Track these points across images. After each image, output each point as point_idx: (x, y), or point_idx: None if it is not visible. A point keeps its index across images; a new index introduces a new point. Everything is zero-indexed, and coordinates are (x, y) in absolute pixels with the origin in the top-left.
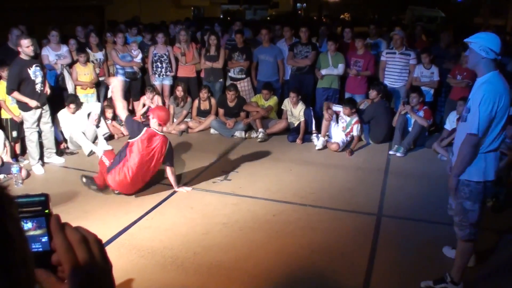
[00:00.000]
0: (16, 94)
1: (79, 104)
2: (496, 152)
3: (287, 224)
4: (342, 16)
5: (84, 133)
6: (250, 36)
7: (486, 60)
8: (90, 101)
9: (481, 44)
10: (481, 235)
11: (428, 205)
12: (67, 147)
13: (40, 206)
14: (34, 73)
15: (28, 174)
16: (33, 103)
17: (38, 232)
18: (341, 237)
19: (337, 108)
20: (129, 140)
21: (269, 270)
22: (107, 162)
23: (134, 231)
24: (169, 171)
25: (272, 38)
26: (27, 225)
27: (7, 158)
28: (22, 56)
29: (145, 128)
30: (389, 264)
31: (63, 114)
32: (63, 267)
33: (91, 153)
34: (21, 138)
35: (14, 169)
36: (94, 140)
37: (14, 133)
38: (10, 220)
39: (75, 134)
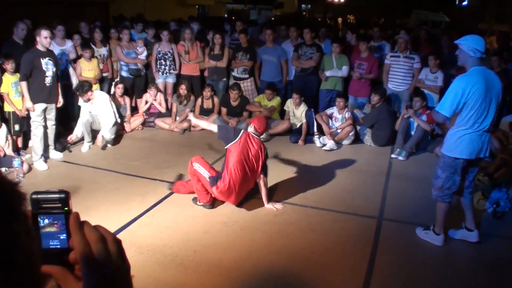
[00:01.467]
0: (24, 84)
1: (91, 87)
2: (471, 135)
3: (287, 225)
4: (340, 18)
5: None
6: (256, 36)
7: (473, 59)
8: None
9: (469, 45)
10: (486, 241)
11: (429, 209)
12: (71, 143)
13: (60, 203)
14: (46, 64)
15: (30, 168)
16: (29, 104)
17: (56, 229)
18: (342, 239)
19: (329, 110)
20: (227, 147)
21: (269, 271)
22: (205, 173)
23: (135, 228)
24: (261, 182)
25: (275, 38)
26: (44, 222)
27: (9, 151)
28: (39, 46)
29: (243, 131)
30: (389, 267)
31: (85, 106)
32: (80, 266)
33: (88, 148)
34: (23, 132)
35: (16, 162)
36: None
37: (17, 127)
38: (17, 218)
39: (84, 121)
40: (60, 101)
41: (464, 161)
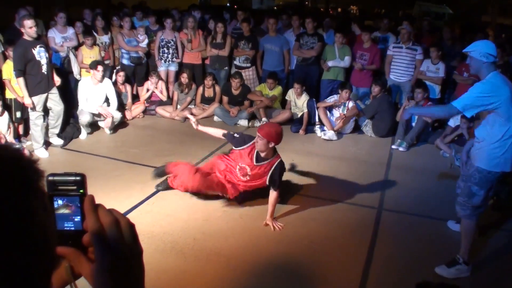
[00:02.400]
0: (21, 81)
1: (105, 67)
2: None
3: (287, 213)
4: (339, 9)
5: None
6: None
7: (487, 64)
8: None
9: (480, 50)
10: (484, 234)
11: (428, 200)
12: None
13: (75, 185)
14: (39, 53)
15: (30, 155)
16: (27, 100)
17: (71, 211)
18: (341, 229)
19: (330, 100)
20: (233, 148)
21: (268, 259)
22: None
23: (135, 215)
24: (271, 197)
25: (278, 27)
26: (59, 203)
27: (10, 138)
28: (26, 37)
29: (252, 143)
30: (388, 256)
31: (86, 84)
32: (93, 247)
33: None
34: (24, 119)
35: None
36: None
37: (18, 114)
38: (34, 194)
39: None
40: (57, 81)
41: (503, 173)
